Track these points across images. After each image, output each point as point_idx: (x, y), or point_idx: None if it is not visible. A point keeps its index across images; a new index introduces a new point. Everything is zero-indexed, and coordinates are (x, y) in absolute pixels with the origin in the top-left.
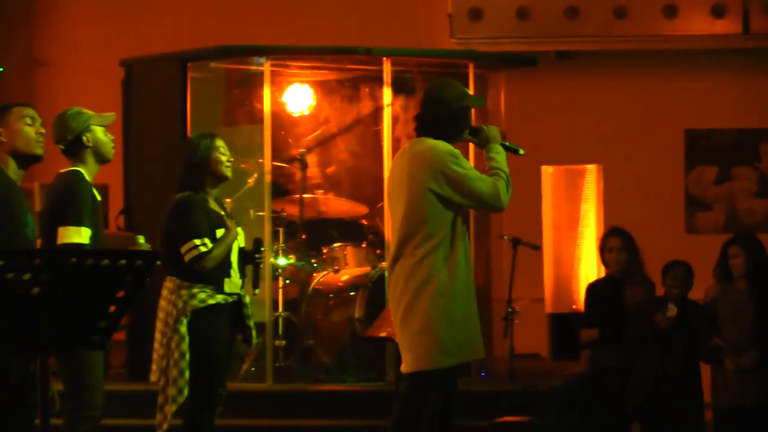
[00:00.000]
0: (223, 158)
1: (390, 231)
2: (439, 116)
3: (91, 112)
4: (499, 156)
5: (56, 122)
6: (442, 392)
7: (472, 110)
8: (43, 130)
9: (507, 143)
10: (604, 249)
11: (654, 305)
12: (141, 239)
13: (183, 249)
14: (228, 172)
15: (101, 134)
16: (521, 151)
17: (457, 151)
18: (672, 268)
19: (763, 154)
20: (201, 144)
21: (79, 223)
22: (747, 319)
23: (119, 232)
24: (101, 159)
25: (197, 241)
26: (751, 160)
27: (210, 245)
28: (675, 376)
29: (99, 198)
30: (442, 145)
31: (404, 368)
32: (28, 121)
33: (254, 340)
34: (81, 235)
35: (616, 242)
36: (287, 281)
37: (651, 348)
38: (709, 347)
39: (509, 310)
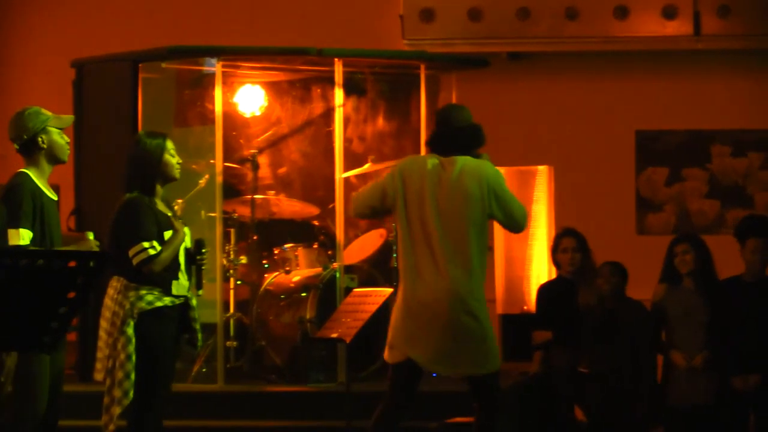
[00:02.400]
0: (173, 160)
1: (409, 235)
2: (475, 134)
3: (49, 113)
4: None
5: (13, 120)
6: None
7: None
8: None
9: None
10: (557, 249)
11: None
12: (90, 235)
13: (131, 252)
14: (177, 174)
15: (57, 136)
16: None
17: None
18: (601, 268)
19: (713, 155)
20: (152, 144)
21: (16, 225)
22: (697, 320)
23: (70, 232)
24: (55, 160)
25: (146, 244)
26: (702, 162)
27: (158, 248)
28: (624, 376)
29: (54, 197)
30: (491, 166)
31: (485, 369)
32: None
33: (200, 343)
34: (20, 237)
35: (570, 242)
36: (238, 282)
37: (600, 349)
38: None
39: None
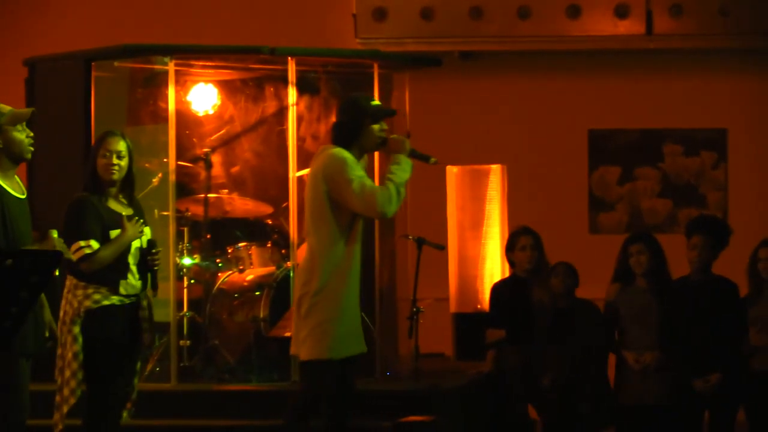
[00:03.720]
0: (103, 161)
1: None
2: (342, 125)
3: (5, 110)
4: (398, 167)
5: None
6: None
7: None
8: None
9: (417, 153)
10: (514, 248)
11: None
12: (54, 233)
13: (71, 249)
14: (108, 176)
15: (15, 133)
16: (432, 160)
17: (350, 159)
18: (555, 267)
19: (665, 154)
20: (94, 145)
21: None
22: (649, 320)
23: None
24: (15, 158)
25: (82, 243)
26: (654, 161)
27: (95, 246)
28: (575, 375)
29: (21, 196)
30: (338, 152)
31: (304, 356)
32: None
33: (155, 343)
34: None
35: (528, 241)
36: (192, 281)
37: (551, 347)
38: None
39: (414, 309)
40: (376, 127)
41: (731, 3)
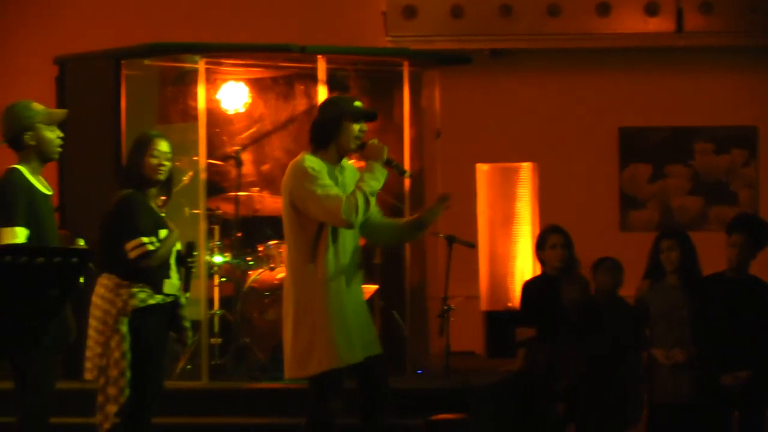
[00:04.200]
0: (154, 161)
1: None
2: (320, 124)
3: (39, 109)
4: (371, 176)
5: (3, 115)
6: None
7: (351, 124)
8: None
9: (394, 163)
10: (545, 246)
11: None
12: (81, 242)
13: (129, 245)
14: (156, 176)
15: (47, 132)
16: (407, 174)
17: (317, 166)
18: (603, 262)
19: (696, 152)
20: (137, 144)
21: (9, 224)
22: (679, 317)
23: (60, 231)
24: (44, 157)
25: (145, 239)
26: (685, 158)
27: (157, 244)
28: (603, 373)
29: (49, 192)
30: (302, 160)
31: (302, 375)
32: None
33: (190, 341)
34: (15, 236)
35: (559, 239)
36: (223, 279)
37: (581, 345)
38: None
39: (445, 307)
40: (355, 126)
41: (761, 0)
